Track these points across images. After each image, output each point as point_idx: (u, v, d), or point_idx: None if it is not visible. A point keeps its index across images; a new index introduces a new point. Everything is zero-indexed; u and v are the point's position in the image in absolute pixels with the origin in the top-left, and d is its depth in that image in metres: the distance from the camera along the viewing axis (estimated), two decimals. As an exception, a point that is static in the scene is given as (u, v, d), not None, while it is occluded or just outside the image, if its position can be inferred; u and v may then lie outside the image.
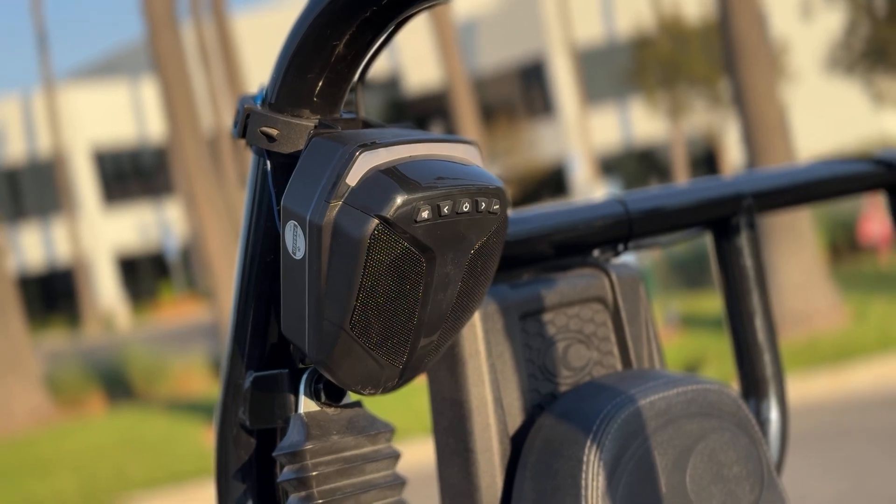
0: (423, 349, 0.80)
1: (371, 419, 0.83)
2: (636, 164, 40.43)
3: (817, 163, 1.31)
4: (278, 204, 0.80)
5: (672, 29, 31.33)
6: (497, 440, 0.97)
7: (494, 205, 0.78)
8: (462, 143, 0.81)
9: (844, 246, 15.88)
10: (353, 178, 0.74)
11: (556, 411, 1.00)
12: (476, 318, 0.96)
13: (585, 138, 35.77)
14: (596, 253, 1.11)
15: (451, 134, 0.84)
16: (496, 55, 41.33)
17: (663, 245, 1.23)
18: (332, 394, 0.83)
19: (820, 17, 21.41)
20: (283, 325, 0.80)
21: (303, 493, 0.77)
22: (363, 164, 0.76)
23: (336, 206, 0.74)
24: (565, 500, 0.92)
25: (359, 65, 0.80)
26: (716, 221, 1.19)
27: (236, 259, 0.88)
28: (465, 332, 0.96)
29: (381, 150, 0.77)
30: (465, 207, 0.76)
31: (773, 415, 1.19)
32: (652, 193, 1.16)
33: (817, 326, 11.84)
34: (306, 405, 0.82)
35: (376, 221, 0.74)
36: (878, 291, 12.98)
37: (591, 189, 27.47)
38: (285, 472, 0.78)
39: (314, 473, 0.78)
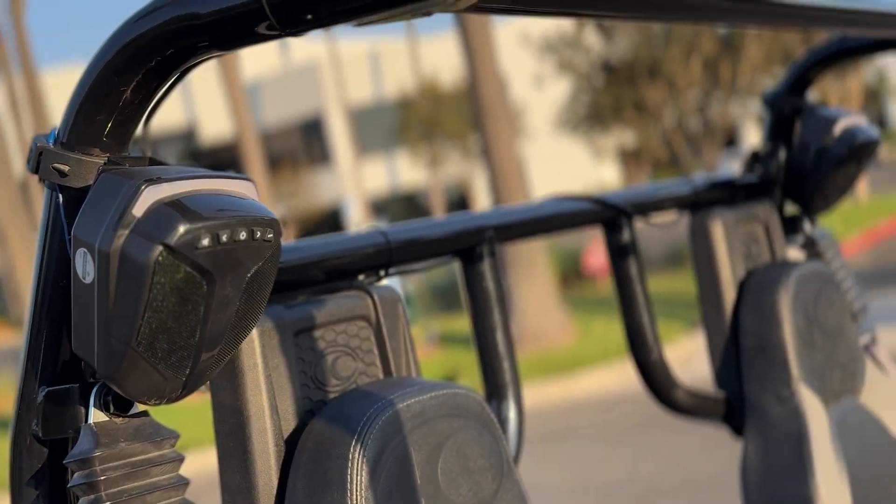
0: (205, 363, 0.78)
1: (157, 427, 0.80)
2: (402, 207, 40.95)
3: (548, 200, 1.34)
4: (69, 233, 0.77)
5: (430, 92, 31.93)
6: (273, 443, 0.96)
7: (268, 234, 0.77)
8: (239, 179, 0.80)
9: (572, 274, 16.45)
10: (138, 209, 0.72)
11: (326, 416, 0.99)
12: (254, 334, 0.95)
13: (358, 184, 35.96)
14: (362, 277, 1.10)
15: (230, 172, 0.83)
16: (281, 112, 41.26)
17: (420, 270, 1.24)
18: (120, 405, 0.80)
19: (550, 85, 22.21)
20: (74, 343, 0.77)
21: (91, 497, 0.74)
22: (148, 197, 0.74)
23: (123, 234, 0.72)
24: (334, 495, 0.92)
25: (146, 108, 0.78)
26: (463, 250, 1.21)
27: (31, 283, 0.84)
28: (245, 346, 0.95)
29: (165, 185, 0.75)
30: (242, 236, 0.75)
31: (512, 414, 1.22)
32: (410, 226, 1.17)
33: (550, 342, 12.17)
34: (96, 416, 0.79)
35: (160, 248, 0.72)
36: (599, 313, 13.47)
37: (362, 227, 27.77)
38: (75, 478, 0.75)
39: (102, 478, 0.75)
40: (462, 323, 14.23)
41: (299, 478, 0.93)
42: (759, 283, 1.50)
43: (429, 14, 0.66)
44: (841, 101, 20.35)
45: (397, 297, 1.07)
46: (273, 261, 0.78)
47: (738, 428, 1.49)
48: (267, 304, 0.98)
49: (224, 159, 38.82)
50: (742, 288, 1.51)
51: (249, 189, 0.80)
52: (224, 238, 0.73)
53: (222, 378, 0.94)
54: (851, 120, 1.60)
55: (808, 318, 1.48)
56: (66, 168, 0.77)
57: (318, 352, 0.99)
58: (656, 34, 16.82)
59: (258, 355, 0.93)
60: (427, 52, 38.90)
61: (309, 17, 0.63)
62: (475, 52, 12.30)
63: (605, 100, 17.56)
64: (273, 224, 0.76)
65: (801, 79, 1.65)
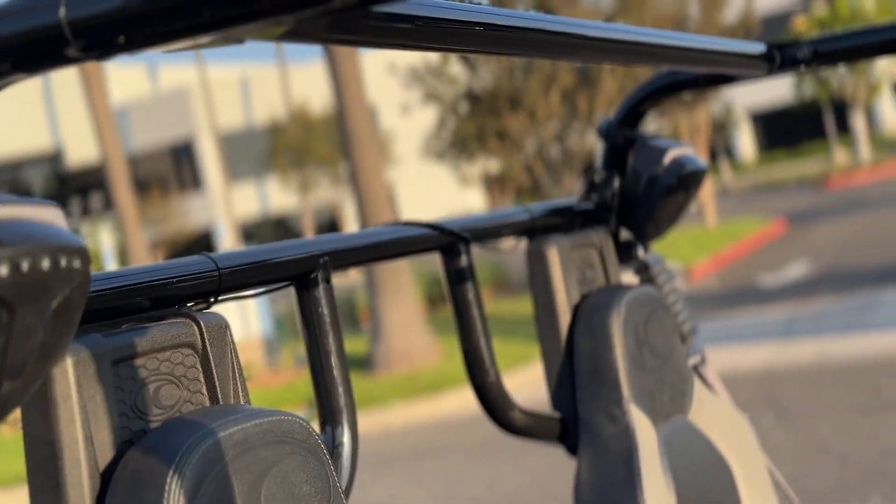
0: (8, 394, 0.74)
1: None
2: (272, 231, 40.66)
3: (385, 227, 1.33)
4: None
5: (300, 119, 31.80)
6: (87, 475, 0.92)
7: (74, 262, 0.73)
8: (45, 206, 0.75)
9: (437, 297, 16.53)
10: None
11: (143, 445, 0.96)
12: (68, 363, 0.91)
13: (229, 209, 35.53)
14: (191, 305, 1.07)
15: (35, 198, 0.79)
16: (151, 136, 40.50)
17: (253, 297, 1.21)
18: None
19: (417, 114, 22.37)
20: None
21: None
22: None
23: None
24: None
25: None
26: (297, 277, 1.19)
27: None
28: (58, 376, 0.91)
29: None
30: (45, 264, 0.71)
31: (346, 440, 1.20)
32: (241, 252, 1.14)
33: (417, 362, 12.20)
34: None
35: None
36: (465, 334, 13.60)
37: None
38: None
39: None
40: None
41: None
42: (592, 307, 1.52)
43: (240, 41, 0.64)
44: (690, 131, 21.08)
45: (225, 323, 1.05)
46: (80, 289, 0.75)
47: (572, 447, 1.51)
48: (87, 333, 0.94)
49: (91, 183, 37.88)
50: (577, 312, 1.53)
51: (56, 216, 0.77)
52: (25, 267, 0.69)
53: (33, 409, 0.90)
54: (680, 151, 1.65)
55: (638, 340, 1.51)
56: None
57: (139, 380, 0.96)
58: (517, 66, 17.11)
59: (72, 385, 0.89)
60: (297, 80, 38.79)
61: (111, 42, 0.61)
62: (343, 81, 12.31)
63: (470, 128, 17.80)
64: (79, 252, 0.73)
65: (632, 111, 1.69)
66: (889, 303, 10.51)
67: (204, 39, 0.63)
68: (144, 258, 18.59)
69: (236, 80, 40.96)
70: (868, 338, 9.16)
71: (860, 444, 6.28)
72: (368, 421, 10.61)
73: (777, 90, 39.27)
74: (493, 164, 21.20)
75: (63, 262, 0.71)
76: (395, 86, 21.50)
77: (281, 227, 40.78)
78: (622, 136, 1.68)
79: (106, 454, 0.92)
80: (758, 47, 1.37)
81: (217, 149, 36.12)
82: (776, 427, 7.00)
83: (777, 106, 42.41)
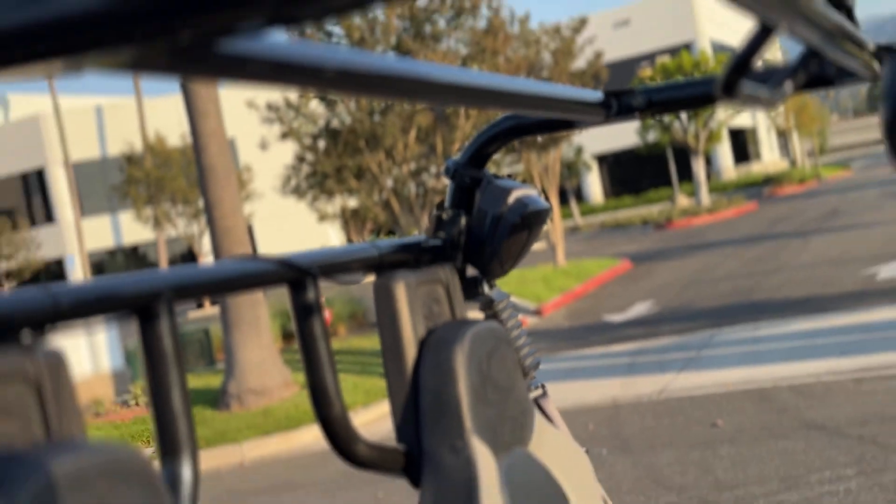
0: None
1: None
2: (126, 263, 39.58)
3: (231, 261, 1.32)
4: None
5: (156, 151, 31.14)
6: None
7: None
8: None
9: (293, 332, 16.32)
10: None
11: None
12: None
13: (81, 241, 34.46)
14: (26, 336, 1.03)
15: None
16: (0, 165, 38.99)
17: (91, 327, 1.18)
18: None
19: (275, 149, 22.17)
20: None
21: None
22: None
23: None
24: None
25: None
26: (141, 309, 1.17)
27: None
28: None
29: None
30: None
31: (186, 472, 1.18)
32: (82, 284, 1.12)
33: (272, 398, 12.04)
34: None
35: None
36: (321, 368, 13.50)
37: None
38: None
39: None
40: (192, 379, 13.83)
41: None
42: (437, 342, 1.53)
43: (79, 71, 0.63)
44: (543, 173, 21.50)
45: (62, 356, 1.02)
46: None
47: (415, 479, 1.51)
48: None
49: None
50: (423, 346, 1.54)
51: None
52: None
53: None
54: (523, 191, 1.68)
55: (481, 374, 1.52)
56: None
57: None
58: (376, 106, 17.19)
59: None
60: (154, 111, 37.99)
61: None
62: (200, 114, 12.15)
63: (328, 165, 17.74)
64: None
65: (478, 152, 1.71)
66: (724, 342, 10.91)
67: (40, 69, 0.62)
68: (-10, 290, 17.84)
69: (91, 110, 39.86)
70: (705, 374, 9.48)
71: (696, 477, 6.47)
72: (222, 457, 10.37)
73: (625, 136, 40.58)
74: (351, 201, 21.18)
75: None
76: (254, 120, 21.29)
77: (134, 259, 39.74)
78: (468, 175, 1.70)
79: None
80: (596, 95, 1.41)
81: (69, 179, 34.98)
82: (619, 459, 7.15)
83: (624, 151, 43.74)
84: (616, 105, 1.47)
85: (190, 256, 38.84)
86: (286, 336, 15.88)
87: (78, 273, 34.22)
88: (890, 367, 8.33)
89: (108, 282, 1.13)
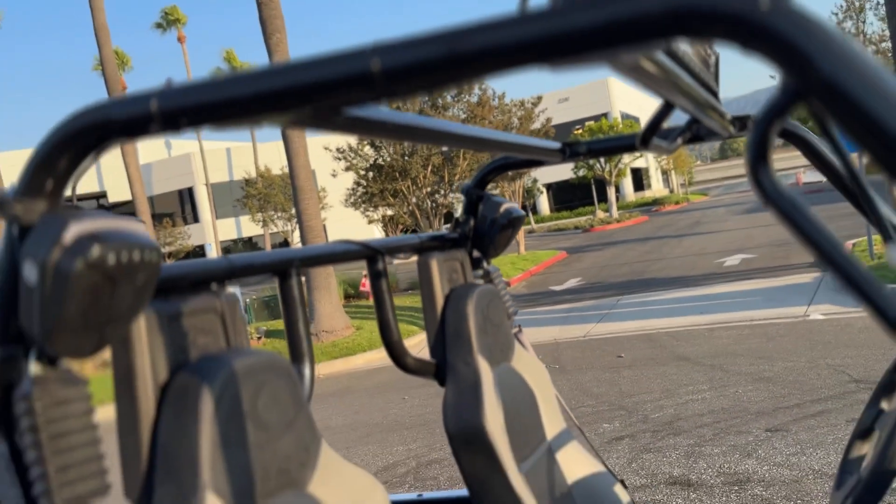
0: (109, 334, 0.73)
1: (74, 374, 0.75)
2: (244, 248, 39.31)
3: (333, 244, 1.34)
4: (20, 251, 0.72)
5: (265, 177, 30.97)
6: (151, 389, 0.88)
7: (153, 256, 0.72)
8: (133, 220, 0.75)
9: (352, 294, 16.34)
10: (67, 237, 0.68)
11: (187, 370, 0.93)
12: (142, 319, 0.87)
13: (215, 234, 34.28)
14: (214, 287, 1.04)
15: (127, 215, 0.79)
16: (165, 185, 38.77)
17: (256, 283, 1.19)
18: (50, 360, 0.74)
19: (341, 178, 22.06)
20: (21, 319, 0.72)
21: (30, 421, 0.70)
22: (74, 229, 0.69)
23: (56, 252, 0.68)
24: (189, 419, 0.85)
25: (72, 174, 0.72)
26: (281, 272, 1.19)
27: None
28: (136, 327, 0.87)
29: (87, 221, 0.71)
30: (136, 256, 0.71)
31: (307, 371, 1.20)
32: (245, 255, 1.13)
33: (337, 336, 12.02)
34: (35, 368, 0.73)
35: (81, 261, 0.68)
36: (369, 318, 13.48)
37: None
38: (19, 408, 0.70)
39: (38, 407, 0.71)
40: (279, 325, 13.83)
41: (168, 408, 0.89)
42: (456, 296, 1.55)
43: (259, 126, 0.66)
44: (511, 194, 21.39)
45: (236, 298, 1.04)
46: (155, 273, 0.75)
47: (442, 381, 1.53)
48: (154, 300, 0.93)
49: (125, 213, 35.91)
50: (447, 299, 1.55)
51: (140, 227, 0.77)
52: (124, 257, 0.70)
53: (119, 348, 0.89)
54: (509, 205, 1.70)
55: (483, 316, 1.55)
56: (20, 210, 0.72)
57: (184, 331, 0.95)
58: (406, 150, 17.10)
59: (143, 332, 0.89)
60: (263, 152, 37.83)
61: (183, 121, 0.62)
62: (294, 153, 12.11)
63: (374, 188, 17.67)
64: (155, 250, 0.74)
65: (482, 179, 1.73)
66: (626, 304, 10.87)
67: (247, 124, 0.64)
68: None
69: (223, 149, 39.62)
70: (613, 324, 9.47)
71: (607, 389, 6.46)
72: None
73: (564, 172, 40.36)
74: (389, 211, 21.12)
75: (146, 256, 0.72)
76: (328, 158, 21.20)
77: (249, 246, 39.56)
78: (475, 193, 1.72)
79: (162, 376, 0.91)
80: (556, 145, 1.44)
81: (209, 194, 34.81)
82: (558, 377, 7.16)
83: (564, 181, 43.51)
84: (569, 151, 1.48)
85: (285, 244, 38.61)
86: (347, 296, 15.84)
87: (213, 255, 33.91)
88: (731, 321, 8.30)
89: (261, 255, 1.16)
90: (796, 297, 9.00)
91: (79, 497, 0.70)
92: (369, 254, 1.39)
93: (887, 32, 12.49)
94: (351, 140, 21.44)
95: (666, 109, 0.97)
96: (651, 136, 1.06)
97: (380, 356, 10.68)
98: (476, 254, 1.72)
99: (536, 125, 20.79)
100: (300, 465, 0.98)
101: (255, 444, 0.91)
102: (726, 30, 0.43)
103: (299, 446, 0.98)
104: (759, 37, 0.43)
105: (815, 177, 40.87)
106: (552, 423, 1.64)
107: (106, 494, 0.75)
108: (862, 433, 1.29)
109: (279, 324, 13.96)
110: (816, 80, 0.41)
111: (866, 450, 1.28)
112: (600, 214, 35.69)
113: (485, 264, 1.73)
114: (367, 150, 18.00)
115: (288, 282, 1.20)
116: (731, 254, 14.20)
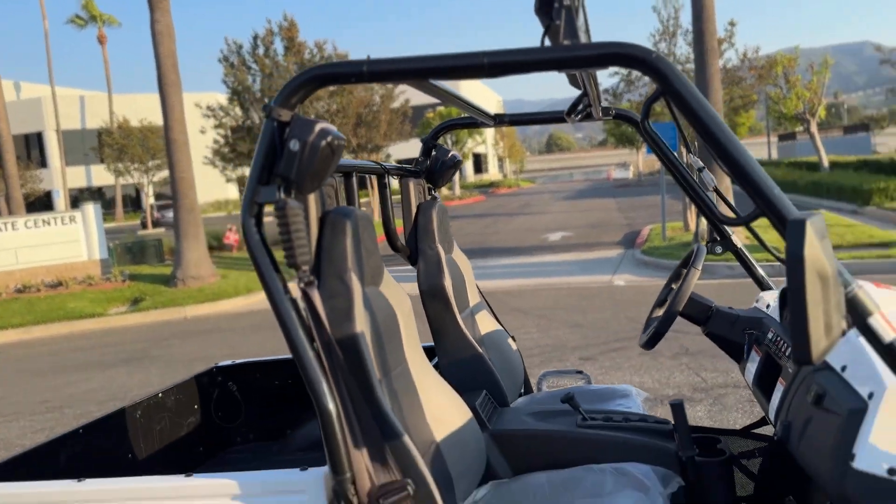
0: (307, 189, 1.04)
1: None
2: (92, 197, 36.08)
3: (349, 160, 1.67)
4: (280, 138, 1.02)
5: (123, 127, 28.52)
6: (315, 222, 1.11)
7: (342, 142, 1.02)
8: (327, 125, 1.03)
9: (218, 245, 15.86)
10: (315, 130, 1.02)
11: (336, 211, 1.22)
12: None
13: (64, 181, 31.09)
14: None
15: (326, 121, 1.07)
16: (14, 129, 34.48)
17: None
18: (289, 194, 1.02)
19: (205, 134, 20.89)
20: (282, 169, 1.02)
21: None
22: (319, 124, 1.03)
23: (311, 132, 1.01)
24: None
25: (305, 98, 1.01)
26: (345, 174, 1.47)
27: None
28: (311, 197, 1.15)
29: (320, 124, 1.01)
30: (337, 142, 1.01)
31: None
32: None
33: (204, 282, 11.73)
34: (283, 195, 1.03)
35: (326, 139, 1.01)
36: (234, 268, 13.20)
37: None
38: None
39: None
40: (141, 269, 13.14)
41: (327, 229, 1.11)
42: (424, 207, 1.87)
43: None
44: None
45: (369, 216, 1.28)
46: (342, 152, 1.03)
47: (413, 262, 1.81)
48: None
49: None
50: (417, 209, 1.87)
51: (332, 128, 1.06)
52: (338, 141, 1.01)
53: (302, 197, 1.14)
54: (453, 152, 2.02)
55: (440, 221, 1.83)
56: (280, 113, 1.02)
57: (324, 194, 1.20)
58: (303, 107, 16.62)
59: (313, 200, 1.18)
60: (118, 104, 34.77)
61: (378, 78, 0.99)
62: (170, 108, 11.57)
63: (243, 148, 17.11)
64: (344, 139, 1.02)
65: (436, 134, 1.98)
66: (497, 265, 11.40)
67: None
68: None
69: (77, 96, 35.81)
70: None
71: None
72: (174, 314, 10.01)
73: (413, 151, 40.39)
74: (246, 171, 20.24)
75: (342, 143, 1.07)
76: (197, 114, 20.18)
77: (98, 196, 36.31)
78: (431, 143, 1.97)
79: (320, 213, 1.20)
80: (490, 111, 1.78)
81: (59, 141, 31.50)
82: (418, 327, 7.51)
83: (413, 158, 43.17)
84: (499, 119, 1.85)
85: (137, 195, 35.92)
86: (210, 248, 15.33)
87: (60, 202, 30.72)
88: (553, 284, 8.95)
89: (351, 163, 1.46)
90: (604, 267, 9.88)
91: (302, 262, 1.06)
92: (380, 171, 1.72)
93: (692, 56, 14.50)
94: (221, 99, 20.45)
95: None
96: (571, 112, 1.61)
97: (245, 302, 10.45)
98: (427, 185, 2.06)
99: (396, 104, 20.63)
100: (379, 272, 1.38)
101: (365, 253, 1.28)
102: (635, 64, 0.93)
103: (378, 263, 1.36)
104: (649, 67, 0.93)
105: (622, 174, 44.31)
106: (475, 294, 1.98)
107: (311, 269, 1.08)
108: (660, 303, 1.97)
109: (142, 268, 13.36)
110: (671, 88, 1.02)
111: (659, 312, 1.95)
112: (444, 192, 36.22)
113: (433, 192, 2.05)
114: (238, 110, 17.33)
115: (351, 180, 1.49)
116: (554, 231, 14.99)
